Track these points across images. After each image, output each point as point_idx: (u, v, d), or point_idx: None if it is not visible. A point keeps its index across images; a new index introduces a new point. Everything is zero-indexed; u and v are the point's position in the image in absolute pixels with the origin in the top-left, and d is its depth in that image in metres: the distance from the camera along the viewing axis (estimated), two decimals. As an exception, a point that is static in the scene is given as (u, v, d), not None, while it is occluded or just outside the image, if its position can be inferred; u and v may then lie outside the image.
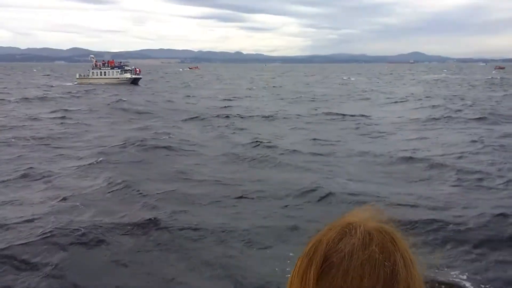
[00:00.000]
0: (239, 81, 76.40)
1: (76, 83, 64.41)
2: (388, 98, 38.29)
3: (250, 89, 52.75)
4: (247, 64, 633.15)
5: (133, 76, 62.09)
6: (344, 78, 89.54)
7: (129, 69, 63.67)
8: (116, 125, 21.99)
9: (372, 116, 24.61)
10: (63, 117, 23.94)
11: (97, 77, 64.07)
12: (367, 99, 37.95)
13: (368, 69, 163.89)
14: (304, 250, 0.77)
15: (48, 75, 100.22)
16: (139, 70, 65.22)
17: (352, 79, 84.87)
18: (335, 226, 0.77)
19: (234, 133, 19.53)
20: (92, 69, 65.86)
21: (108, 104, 31.43)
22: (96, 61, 67.42)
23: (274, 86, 58.16)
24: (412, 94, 41.58)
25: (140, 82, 62.53)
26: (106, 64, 65.45)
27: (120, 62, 67.73)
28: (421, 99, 36.05)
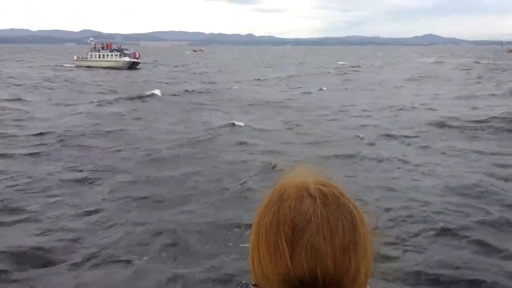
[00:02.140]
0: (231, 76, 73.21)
1: (74, 65, 62.52)
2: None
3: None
4: (258, 46, 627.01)
5: (132, 60, 59.85)
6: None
7: (128, 53, 61.35)
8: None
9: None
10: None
11: (95, 59, 62.24)
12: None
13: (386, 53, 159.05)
14: (261, 220, 0.77)
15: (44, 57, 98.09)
16: (139, 54, 62.88)
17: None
18: (288, 189, 0.78)
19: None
20: (91, 51, 63.92)
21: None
22: (95, 44, 65.34)
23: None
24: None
25: (141, 66, 60.41)
26: (105, 47, 63.25)
27: (119, 46, 65.22)
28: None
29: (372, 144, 14.19)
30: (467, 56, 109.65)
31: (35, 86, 32.27)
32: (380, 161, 12.14)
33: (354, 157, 12.62)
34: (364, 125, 17.58)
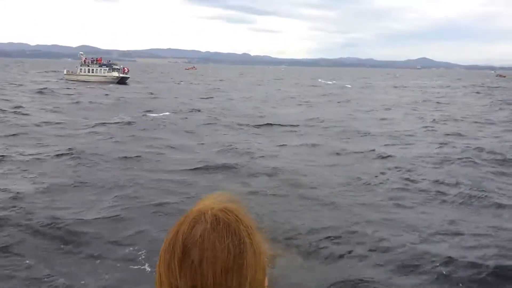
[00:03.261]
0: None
1: (63, 79, 64.02)
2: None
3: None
4: (253, 66, 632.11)
5: (121, 75, 61.36)
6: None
7: (117, 68, 62.79)
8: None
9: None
10: None
11: (84, 74, 63.50)
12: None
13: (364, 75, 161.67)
14: (165, 243, 0.87)
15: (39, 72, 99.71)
16: (128, 69, 64.33)
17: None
18: (188, 216, 0.88)
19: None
20: (80, 65, 65.27)
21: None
22: (85, 58, 66.83)
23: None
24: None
25: (129, 81, 62.02)
26: (95, 62, 64.81)
27: (109, 61, 67.00)
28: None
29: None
30: (470, 80, 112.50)
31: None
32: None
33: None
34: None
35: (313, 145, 17.09)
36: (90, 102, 32.05)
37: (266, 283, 0.89)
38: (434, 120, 25.69)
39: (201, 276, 0.80)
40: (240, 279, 0.81)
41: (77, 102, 31.68)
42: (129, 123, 21.53)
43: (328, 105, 36.01)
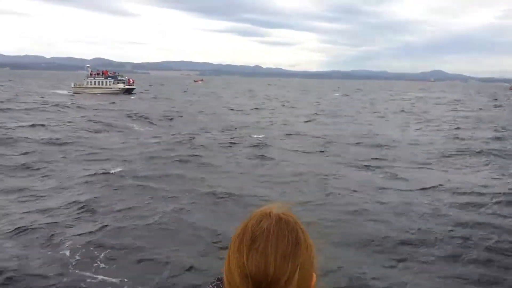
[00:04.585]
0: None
1: (71, 92, 64.68)
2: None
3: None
4: (265, 78, 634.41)
5: (126, 87, 62.18)
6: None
7: (122, 79, 63.89)
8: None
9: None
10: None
11: (91, 86, 64.32)
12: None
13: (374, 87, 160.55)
14: (235, 233, 1.05)
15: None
16: (133, 80, 65.53)
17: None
18: (255, 214, 1.07)
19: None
20: (87, 78, 66.11)
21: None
22: (91, 71, 67.65)
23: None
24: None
25: (136, 91, 62.79)
26: (101, 74, 65.63)
27: (114, 73, 67.71)
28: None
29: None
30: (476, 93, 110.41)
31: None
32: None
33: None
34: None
35: None
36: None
37: (314, 279, 1.06)
38: None
39: (265, 259, 0.97)
40: (294, 265, 0.98)
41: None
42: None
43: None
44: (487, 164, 16.26)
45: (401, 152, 18.81)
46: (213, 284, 1.06)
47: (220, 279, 1.07)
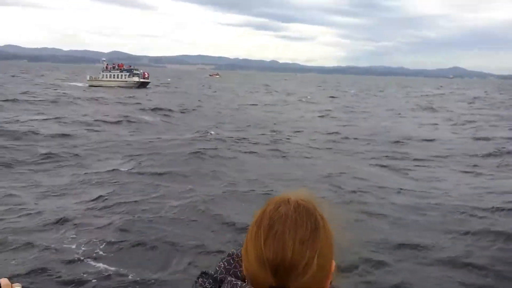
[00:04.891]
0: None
1: (87, 84, 65.00)
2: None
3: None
4: (281, 73, 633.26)
5: (141, 80, 62.35)
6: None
7: (137, 73, 64.08)
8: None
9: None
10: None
11: (106, 79, 64.66)
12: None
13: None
14: (254, 219, 1.04)
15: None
16: (148, 74, 65.66)
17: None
18: (273, 199, 1.06)
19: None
20: (102, 71, 66.50)
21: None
22: (107, 64, 67.97)
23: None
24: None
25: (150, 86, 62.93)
26: (116, 67, 65.88)
27: (130, 66, 67.86)
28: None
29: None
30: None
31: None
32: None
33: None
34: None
35: None
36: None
37: (333, 267, 1.04)
38: None
39: (282, 245, 0.95)
40: (312, 250, 0.96)
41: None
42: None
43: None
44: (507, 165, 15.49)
45: (419, 150, 18.15)
46: (223, 260, 1.03)
47: (231, 255, 1.06)
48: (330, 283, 1.05)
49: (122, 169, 13.24)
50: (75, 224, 8.71)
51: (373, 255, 7.60)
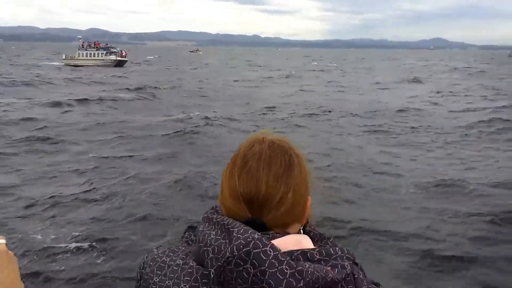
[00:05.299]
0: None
1: (62, 63, 62.81)
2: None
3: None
4: (263, 47, 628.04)
5: (118, 58, 60.43)
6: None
7: (114, 51, 62.01)
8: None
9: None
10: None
11: (83, 58, 62.49)
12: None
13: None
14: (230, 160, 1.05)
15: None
16: (125, 52, 63.65)
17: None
18: (249, 139, 1.06)
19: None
20: (79, 50, 64.22)
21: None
22: (83, 42, 65.65)
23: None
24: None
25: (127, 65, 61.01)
26: (93, 46, 63.65)
27: (106, 44, 65.77)
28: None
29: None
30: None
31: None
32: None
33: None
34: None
35: None
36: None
37: (309, 203, 1.04)
38: None
39: (256, 181, 0.96)
40: (287, 186, 0.97)
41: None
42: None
43: None
44: None
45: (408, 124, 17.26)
46: (207, 213, 1.02)
47: (214, 207, 1.05)
48: (307, 221, 1.07)
49: (99, 152, 12.35)
50: (50, 212, 8.12)
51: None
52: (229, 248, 0.86)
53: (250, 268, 0.83)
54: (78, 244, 6.86)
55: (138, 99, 24.90)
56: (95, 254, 6.62)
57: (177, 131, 15.00)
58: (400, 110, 20.89)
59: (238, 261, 0.84)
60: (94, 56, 62.12)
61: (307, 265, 0.85)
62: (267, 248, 0.85)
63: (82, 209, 8.31)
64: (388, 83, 38.43)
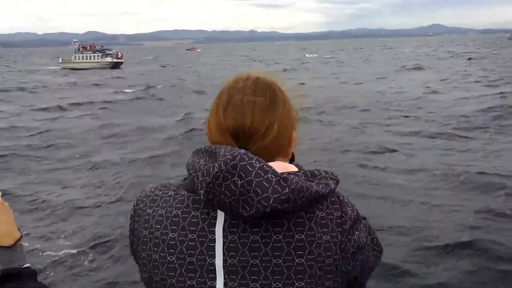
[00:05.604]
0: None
1: (59, 67, 62.74)
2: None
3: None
4: (260, 42, 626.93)
5: (114, 60, 60.22)
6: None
7: (110, 53, 62.02)
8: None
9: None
10: None
11: (79, 61, 62.54)
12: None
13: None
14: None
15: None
16: (121, 54, 63.57)
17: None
18: (233, 77, 1.07)
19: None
20: (75, 53, 64.33)
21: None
22: (78, 45, 65.63)
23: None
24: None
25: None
26: (88, 48, 63.70)
27: (102, 46, 65.80)
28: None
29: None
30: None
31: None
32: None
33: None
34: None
35: None
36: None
37: (293, 138, 1.06)
38: None
39: (241, 113, 0.98)
40: (272, 118, 0.99)
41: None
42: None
43: None
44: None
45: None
46: (191, 158, 1.01)
47: (198, 149, 1.03)
48: (293, 158, 1.08)
49: (98, 155, 11.97)
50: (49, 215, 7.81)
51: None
52: (216, 165, 0.88)
53: (238, 180, 0.86)
54: (76, 250, 6.54)
55: (137, 99, 24.48)
56: (93, 258, 6.32)
57: (178, 131, 14.64)
58: (415, 99, 20.26)
59: (226, 174, 0.86)
60: (90, 58, 62.08)
61: (292, 176, 0.89)
62: (253, 161, 0.88)
63: (82, 213, 8.00)
64: (389, 72, 37.82)
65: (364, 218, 1.03)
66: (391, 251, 6.04)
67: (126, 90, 28.93)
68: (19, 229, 1.08)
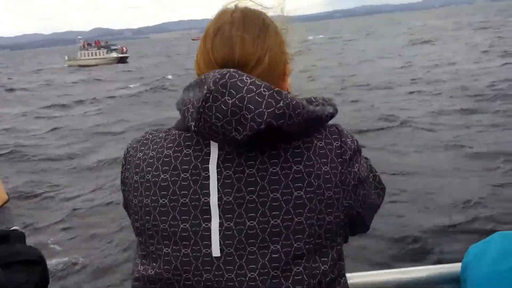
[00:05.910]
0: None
1: (66, 65, 63.05)
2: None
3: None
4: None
5: (119, 55, 60.75)
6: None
7: (115, 48, 62.94)
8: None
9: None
10: None
11: (85, 58, 63.13)
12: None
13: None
14: None
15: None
16: (126, 49, 64.46)
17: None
18: (224, 6, 1.01)
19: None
20: (80, 50, 64.79)
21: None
22: (83, 42, 66.01)
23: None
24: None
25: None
26: (93, 45, 64.06)
27: (107, 42, 66.45)
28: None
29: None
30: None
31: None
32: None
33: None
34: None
35: None
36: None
37: (288, 72, 1.00)
38: None
39: (230, 44, 0.91)
40: (262, 49, 0.92)
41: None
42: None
43: None
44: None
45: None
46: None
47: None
48: (289, 92, 0.98)
49: (106, 153, 11.80)
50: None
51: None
52: (205, 87, 0.82)
53: (228, 99, 0.80)
54: (77, 248, 6.50)
55: (146, 91, 24.56)
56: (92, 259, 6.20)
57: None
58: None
59: (215, 95, 0.80)
60: (95, 55, 62.88)
61: (286, 92, 0.83)
62: (244, 77, 0.82)
63: (81, 215, 7.86)
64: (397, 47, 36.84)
65: (366, 158, 0.98)
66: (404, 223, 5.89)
67: (134, 84, 28.78)
68: (7, 193, 1.05)
